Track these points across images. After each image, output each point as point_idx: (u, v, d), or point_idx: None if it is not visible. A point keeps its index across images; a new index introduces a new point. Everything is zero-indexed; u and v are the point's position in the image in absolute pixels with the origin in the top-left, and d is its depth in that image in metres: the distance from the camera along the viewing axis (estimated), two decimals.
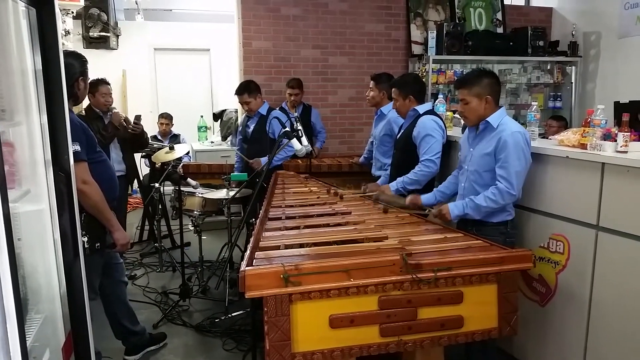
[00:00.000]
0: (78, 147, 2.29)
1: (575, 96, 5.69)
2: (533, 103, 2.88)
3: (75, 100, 2.61)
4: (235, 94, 4.26)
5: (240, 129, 4.49)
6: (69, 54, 2.58)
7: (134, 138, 4.30)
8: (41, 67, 1.64)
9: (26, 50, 1.62)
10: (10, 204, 1.52)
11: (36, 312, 1.65)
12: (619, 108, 3.74)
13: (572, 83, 5.71)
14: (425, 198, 2.86)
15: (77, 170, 2.13)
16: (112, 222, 2.52)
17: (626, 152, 2.24)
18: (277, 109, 4.59)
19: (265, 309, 1.77)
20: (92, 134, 2.57)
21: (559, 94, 5.83)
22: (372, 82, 3.92)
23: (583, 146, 2.40)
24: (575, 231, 2.44)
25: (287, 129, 2.81)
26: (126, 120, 4.22)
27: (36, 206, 1.67)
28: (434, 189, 2.94)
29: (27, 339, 1.37)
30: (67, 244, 1.66)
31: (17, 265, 1.58)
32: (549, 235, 2.58)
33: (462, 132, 3.04)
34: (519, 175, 2.45)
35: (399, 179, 3.17)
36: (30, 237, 1.66)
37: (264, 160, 3.99)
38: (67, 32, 5.59)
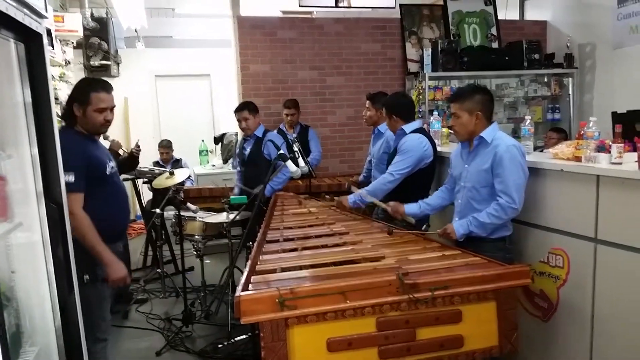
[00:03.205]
0: (72, 178, 2.24)
1: (574, 107, 5.69)
2: (527, 117, 2.89)
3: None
4: (235, 111, 4.28)
5: (237, 151, 4.51)
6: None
7: (128, 162, 4.37)
8: (31, 100, 1.66)
9: (16, 84, 1.64)
10: (3, 237, 1.53)
11: (30, 344, 1.64)
12: (617, 118, 3.74)
13: (569, 95, 5.72)
14: (409, 207, 2.87)
15: (68, 200, 2.02)
16: (103, 255, 2.34)
17: (621, 163, 2.22)
18: (275, 130, 4.61)
19: (262, 334, 1.76)
20: (99, 157, 2.46)
21: (557, 105, 5.83)
22: (368, 101, 3.95)
23: (577, 159, 2.39)
24: (574, 245, 2.41)
25: (282, 151, 2.82)
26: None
27: (29, 238, 1.67)
28: (420, 201, 2.93)
29: None
30: (62, 276, 1.66)
31: (10, 297, 1.58)
32: (548, 249, 2.56)
33: None
34: (519, 189, 2.44)
35: (357, 192, 3.21)
36: (24, 269, 1.66)
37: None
38: (68, 62, 5.67)
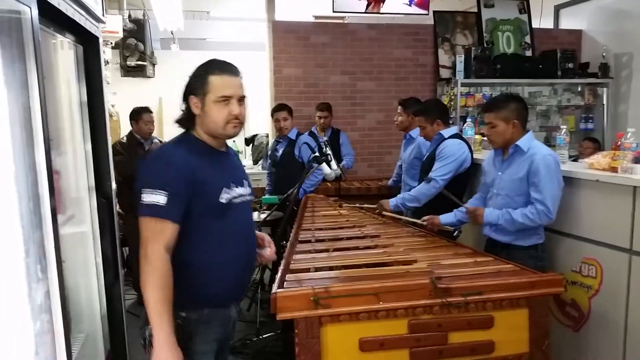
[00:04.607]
0: (162, 198, 1.53)
1: (608, 118, 5.61)
2: (562, 127, 2.88)
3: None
4: (275, 110, 4.37)
5: (269, 152, 4.60)
6: None
7: None
8: (86, 99, 1.75)
9: (73, 84, 1.73)
10: None
11: (78, 331, 1.73)
12: None
13: (603, 105, 5.64)
14: (444, 217, 2.87)
15: (144, 229, 1.51)
16: (155, 329, 1.51)
17: None
18: (307, 133, 4.67)
19: (296, 331, 1.80)
20: (210, 177, 1.68)
21: (591, 115, 5.76)
22: (400, 107, 3.98)
23: (614, 169, 2.39)
24: (608, 255, 2.41)
25: (317, 154, 2.87)
26: None
27: (79, 230, 1.76)
28: (455, 210, 2.94)
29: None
30: (108, 267, 1.74)
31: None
32: (580, 259, 2.55)
33: None
34: (554, 198, 2.45)
35: (399, 196, 3.24)
36: (73, 259, 1.75)
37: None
38: (106, 62, 5.83)
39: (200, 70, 1.75)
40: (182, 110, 1.78)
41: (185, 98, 1.76)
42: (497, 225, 2.56)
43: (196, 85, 1.72)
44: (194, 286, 1.64)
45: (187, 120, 1.77)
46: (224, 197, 1.69)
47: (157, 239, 1.52)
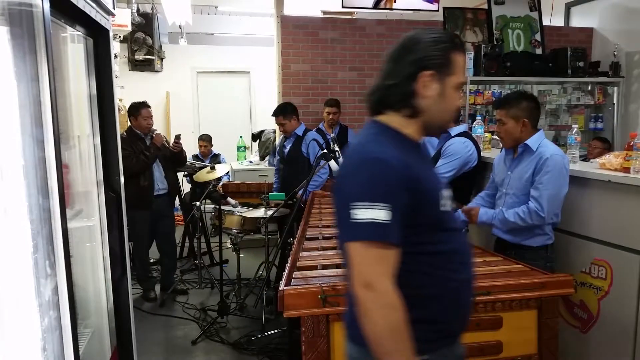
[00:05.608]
0: (385, 214, 1.13)
1: (618, 117, 5.56)
2: (574, 126, 2.85)
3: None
4: (272, 115, 4.38)
5: (278, 149, 4.60)
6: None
7: (173, 156, 4.45)
8: (96, 92, 1.74)
9: (83, 77, 1.72)
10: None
11: (85, 326, 1.73)
12: None
13: (614, 104, 5.58)
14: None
15: (358, 257, 1.15)
16: None
17: None
18: (314, 130, 4.66)
19: (303, 329, 1.79)
20: (431, 181, 1.31)
21: (600, 115, 5.71)
22: None
23: (626, 170, 2.36)
24: (619, 256, 2.38)
25: (325, 151, 2.86)
26: (166, 140, 4.40)
27: (87, 224, 1.75)
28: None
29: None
30: (116, 261, 1.74)
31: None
32: (590, 260, 2.53)
33: None
34: (551, 199, 2.41)
35: None
36: (81, 254, 1.74)
37: None
38: (115, 56, 5.83)
39: (440, 41, 1.26)
40: (386, 86, 1.29)
41: (413, 72, 1.25)
42: (492, 225, 2.56)
43: (437, 59, 1.25)
44: (429, 321, 1.26)
45: (401, 101, 1.27)
46: (444, 204, 1.29)
47: (383, 270, 1.14)
